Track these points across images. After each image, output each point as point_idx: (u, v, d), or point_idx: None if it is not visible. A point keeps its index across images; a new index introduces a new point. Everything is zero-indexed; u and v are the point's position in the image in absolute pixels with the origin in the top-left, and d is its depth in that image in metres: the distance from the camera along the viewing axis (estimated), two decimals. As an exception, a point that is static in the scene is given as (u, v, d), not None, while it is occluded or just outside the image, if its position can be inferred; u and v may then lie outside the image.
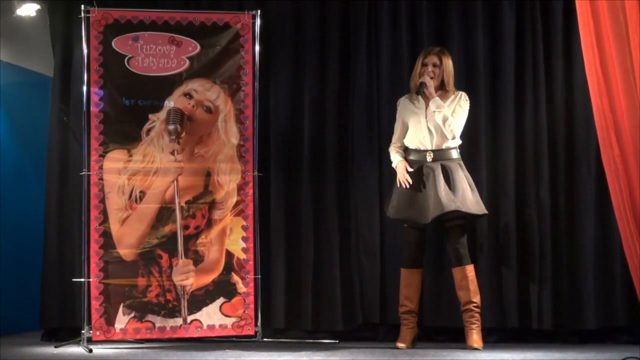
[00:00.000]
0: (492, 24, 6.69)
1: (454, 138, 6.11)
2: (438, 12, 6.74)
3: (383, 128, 6.72)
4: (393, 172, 6.31)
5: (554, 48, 6.58)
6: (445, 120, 6.06)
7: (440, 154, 6.12)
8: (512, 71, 6.61)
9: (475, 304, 6.07)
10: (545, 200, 6.52)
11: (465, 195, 6.03)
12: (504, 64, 6.63)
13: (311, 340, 6.54)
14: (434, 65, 6.14)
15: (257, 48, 6.54)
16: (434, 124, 6.10)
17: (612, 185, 5.23)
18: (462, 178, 6.08)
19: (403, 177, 6.13)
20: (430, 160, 6.12)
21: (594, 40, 5.20)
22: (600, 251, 6.44)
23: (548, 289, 6.46)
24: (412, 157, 6.17)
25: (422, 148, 6.15)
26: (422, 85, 6.08)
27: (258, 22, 6.54)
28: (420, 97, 6.16)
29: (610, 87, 5.15)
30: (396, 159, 6.23)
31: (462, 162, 6.16)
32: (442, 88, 6.17)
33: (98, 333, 6.24)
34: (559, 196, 6.53)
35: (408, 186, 6.10)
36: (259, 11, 6.55)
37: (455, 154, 6.15)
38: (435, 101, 6.09)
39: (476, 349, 5.99)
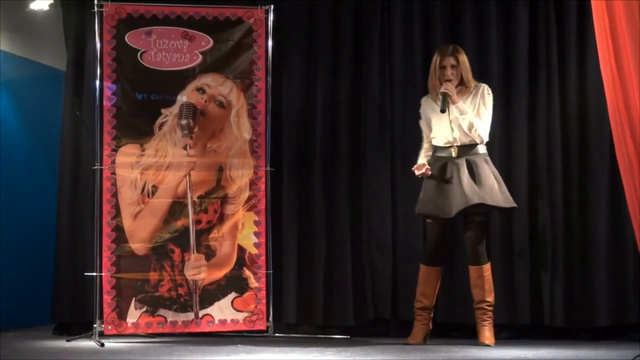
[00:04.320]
0: (506, 22, 6.67)
1: (482, 142, 6.10)
2: (451, 9, 6.72)
3: (395, 124, 6.72)
4: (406, 169, 6.32)
5: (568, 45, 6.57)
6: (471, 127, 6.05)
7: (465, 150, 6.10)
8: (526, 68, 6.60)
9: (488, 303, 6.06)
10: (558, 197, 6.51)
11: (493, 189, 6.00)
12: (517, 61, 6.62)
13: (323, 336, 6.54)
14: (452, 67, 6.12)
15: (270, 43, 6.54)
16: (456, 122, 6.08)
17: (626, 182, 5.20)
18: (489, 172, 6.05)
19: (419, 171, 6.12)
20: (455, 156, 6.10)
21: (608, 36, 5.17)
22: (613, 248, 6.43)
23: (560, 285, 6.45)
24: (439, 154, 6.16)
25: (447, 145, 6.14)
26: (446, 96, 6.05)
27: (271, 17, 6.54)
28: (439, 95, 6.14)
29: (625, 84, 5.12)
30: (418, 162, 6.23)
31: (488, 158, 6.13)
32: (461, 84, 6.16)
33: (110, 327, 6.25)
34: (572, 193, 6.52)
35: (426, 174, 6.09)
36: (272, 6, 6.55)
37: (482, 149, 6.12)
38: (459, 107, 6.06)
39: (488, 345, 5.98)
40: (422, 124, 6.29)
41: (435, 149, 6.21)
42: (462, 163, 6.07)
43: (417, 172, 6.13)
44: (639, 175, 5.14)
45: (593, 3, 5.28)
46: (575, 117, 6.54)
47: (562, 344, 6.18)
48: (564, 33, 6.59)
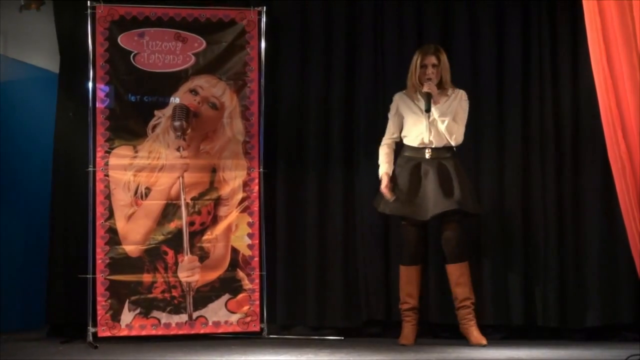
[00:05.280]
0: (499, 22, 6.67)
1: (458, 144, 6.11)
2: (444, 10, 6.72)
3: (389, 125, 6.72)
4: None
5: (560, 46, 6.58)
6: (450, 131, 6.06)
7: (439, 152, 6.11)
8: (519, 69, 6.61)
9: (472, 301, 6.08)
10: (550, 197, 6.52)
11: (465, 194, 6.02)
12: (510, 61, 6.62)
13: (316, 337, 6.55)
14: (433, 66, 6.13)
15: (262, 44, 6.55)
16: (434, 124, 6.09)
17: (619, 182, 5.21)
18: (461, 176, 6.07)
19: (386, 192, 6.15)
20: (429, 157, 6.11)
21: (600, 37, 5.18)
22: (605, 248, 6.43)
23: (553, 285, 6.45)
24: (410, 154, 6.16)
25: (421, 146, 6.14)
26: (430, 96, 6.06)
27: (264, 18, 6.55)
28: (419, 95, 6.15)
29: (617, 84, 5.13)
30: (382, 169, 6.22)
31: (458, 160, 6.14)
32: (439, 85, 6.15)
33: (103, 329, 6.25)
34: (565, 193, 6.52)
35: (391, 199, 6.13)
36: (264, 7, 6.56)
37: (451, 151, 6.14)
38: (439, 108, 6.07)
39: (482, 345, 5.98)
40: (394, 119, 6.26)
41: (406, 148, 6.20)
42: (436, 165, 6.07)
43: (384, 190, 6.14)
44: (631, 175, 5.15)
45: (585, 3, 5.29)
46: (568, 118, 6.55)
47: (555, 344, 6.19)
48: (556, 33, 6.59)
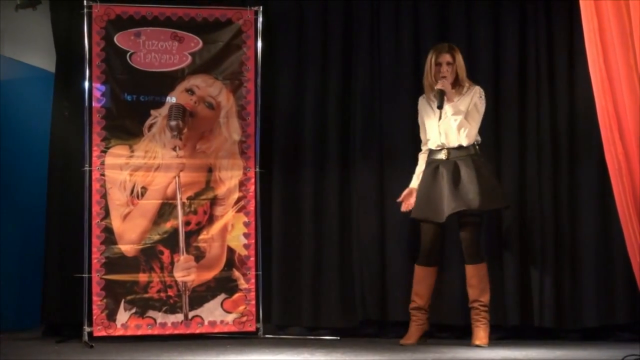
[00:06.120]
0: (495, 22, 6.67)
1: (470, 143, 6.09)
2: (441, 9, 6.72)
3: (384, 124, 6.72)
4: (395, 169, 6.34)
5: (557, 46, 6.58)
6: (461, 127, 6.04)
7: (454, 152, 6.10)
8: (515, 69, 6.60)
9: (481, 303, 6.06)
10: (547, 197, 6.52)
11: (481, 191, 5.99)
12: (506, 61, 6.62)
13: (312, 337, 6.54)
14: (448, 64, 6.12)
15: (259, 44, 6.55)
16: (447, 123, 6.08)
17: (615, 183, 5.21)
18: (479, 174, 6.04)
19: (401, 201, 6.24)
20: (445, 158, 6.10)
21: (597, 38, 5.18)
22: (602, 248, 6.44)
23: (549, 286, 6.45)
24: (433, 157, 6.17)
25: (439, 147, 6.14)
26: (443, 93, 6.05)
27: (260, 18, 6.55)
28: (432, 95, 6.14)
29: (614, 85, 5.13)
30: (411, 182, 6.26)
31: (479, 157, 6.11)
32: (455, 83, 6.15)
33: (99, 329, 6.24)
34: (561, 193, 6.53)
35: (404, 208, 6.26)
36: (261, 7, 6.56)
37: (471, 149, 6.11)
38: (453, 106, 6.06)
39: (479, 346, 5.98)
40: (420, 122, 6.29)
41: (431, 151, 6.21)
42: (451, 166, 6.07)
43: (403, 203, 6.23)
44: (628, 176, 5.15)
45: (582, 4, 5.29)
46: (565, 119, 6.55)
47: (551, 344, 6.19)
48: (553, 34, 6.60)
